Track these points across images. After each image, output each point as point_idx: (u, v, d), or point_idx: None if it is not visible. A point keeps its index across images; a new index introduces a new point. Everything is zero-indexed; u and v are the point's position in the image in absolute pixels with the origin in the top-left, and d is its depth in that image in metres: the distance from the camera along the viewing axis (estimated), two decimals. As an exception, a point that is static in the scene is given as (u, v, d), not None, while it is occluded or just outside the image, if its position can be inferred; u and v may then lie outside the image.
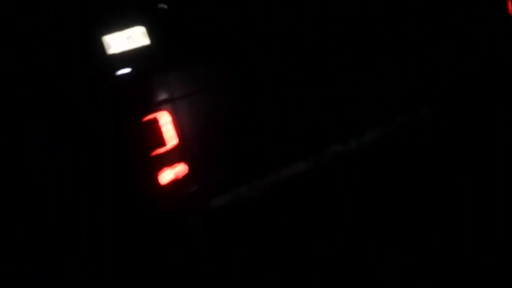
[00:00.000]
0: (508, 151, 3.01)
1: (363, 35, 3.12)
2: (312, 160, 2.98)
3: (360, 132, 3.17)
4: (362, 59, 3.15)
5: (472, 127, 3.23)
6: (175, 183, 2.60)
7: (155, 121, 2.54)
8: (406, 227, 2.61)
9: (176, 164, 2.61)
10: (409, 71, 3.29)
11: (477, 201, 2.67)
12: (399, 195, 2.90)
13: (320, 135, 3.04)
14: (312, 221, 2.79)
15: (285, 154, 2.93)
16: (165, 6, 2.64)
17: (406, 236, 2.53)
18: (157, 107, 2.57)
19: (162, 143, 2.55)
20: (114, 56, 2.55)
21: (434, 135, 3.30)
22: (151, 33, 2.59)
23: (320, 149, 3.03)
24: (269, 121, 2.90)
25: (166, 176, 2.57)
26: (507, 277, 2.01)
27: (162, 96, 2.61)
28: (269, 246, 2.64)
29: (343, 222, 2.76)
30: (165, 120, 2.58)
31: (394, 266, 2.28)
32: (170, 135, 2.58)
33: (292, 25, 2.91)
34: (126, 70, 2.57)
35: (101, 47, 2.52)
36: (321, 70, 3.03)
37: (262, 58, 2.90)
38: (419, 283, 2.15)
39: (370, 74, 3.19)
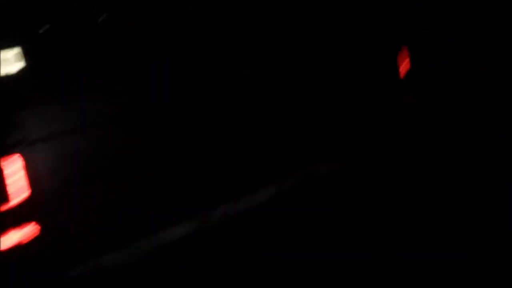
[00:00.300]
0: (508, 151, 3.01)
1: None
2: (197, 222, 2.51)
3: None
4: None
5: (472, 127, 3.23)
6: (20, 247, 2.06)
7: None
8: (406, 227, 2.61)
9: (24, 224, 2.07)
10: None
11: (477, 201, 2.68)
12: (399, 195, 2.90)
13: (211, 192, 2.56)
14: (311, 221, 2.79)
15: (165, 215, 2.43)
16: (47, 27, 2.24)
17: (406, 236, 2.53)
18: (7, 151, 2.02)
19: (4, 198, 2.00)
20: None
21: (433, 136, 3.30)
22: (25, 56, 2.13)
23: (207, 209, 2.54)
24: (144, 176, 2.38)
25: (8, 239, 2.04)
26: (507, 277, 2.01)
27: (18, 135, 2.06)
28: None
29: (343, 222, 2.76)
30: (15, 167, 2.03)
31: (394, 266, 2.28)
32: (19, 186, 2.03)
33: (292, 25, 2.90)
34: None
35: None
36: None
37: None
38: (419, 283, 2.15)
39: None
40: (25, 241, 2.07)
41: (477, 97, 3.41)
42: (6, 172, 2.00)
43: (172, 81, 2.55)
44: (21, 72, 2.13)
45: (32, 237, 2.09)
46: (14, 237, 2.05)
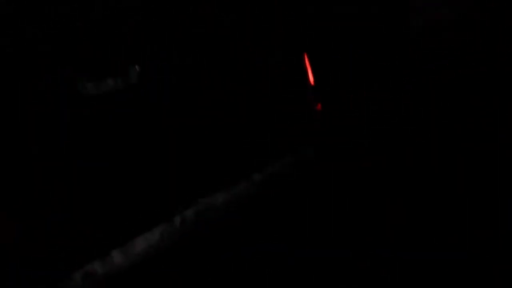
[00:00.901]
0: (508, 151, 3.01)
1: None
2: None
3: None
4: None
5: (472, 127, 3.23)
6: None
7: None
8: (406, 227, 2.61)
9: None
10: None
11: (477, 201, 2.67)
12: (399, 195, 2.90)
13: None
14: (311, 220, 2.79)
15: None
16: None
17: (406, 236, 2.53)
18: None
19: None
20: None
21: (433, 135, 3.30)
22: None
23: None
24: None
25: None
26: (507, 277, 2.01)
27: None
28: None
29: (342, 222, 2.76)
30: None
31: (394, 266, 2.28)
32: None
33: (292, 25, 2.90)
34: None
35: None
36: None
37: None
38: (419, 283, 2.14)
39: None
40: None
41: (477, 97, 3.41)
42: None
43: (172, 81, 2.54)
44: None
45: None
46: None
